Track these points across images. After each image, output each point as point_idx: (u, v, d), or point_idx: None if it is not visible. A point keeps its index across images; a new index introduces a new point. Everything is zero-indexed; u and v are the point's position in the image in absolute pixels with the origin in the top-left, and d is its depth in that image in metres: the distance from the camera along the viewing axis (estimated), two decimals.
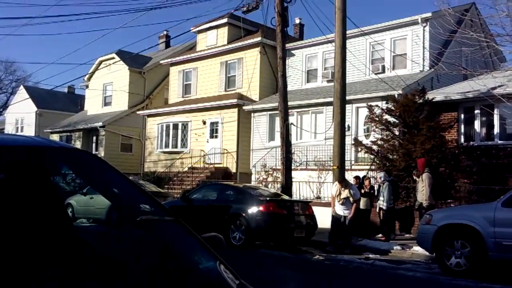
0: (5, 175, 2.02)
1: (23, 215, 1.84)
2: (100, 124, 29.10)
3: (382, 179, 13.62)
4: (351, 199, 12.02)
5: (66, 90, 42.03)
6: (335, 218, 12.17)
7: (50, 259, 1.72)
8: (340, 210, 12.09)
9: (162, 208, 2.19)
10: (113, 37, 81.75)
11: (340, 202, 12.05)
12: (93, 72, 32.18)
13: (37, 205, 2.01)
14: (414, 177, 13.59)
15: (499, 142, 15.90)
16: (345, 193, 12.02)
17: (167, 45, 34.31)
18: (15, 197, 1.90)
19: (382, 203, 13.27)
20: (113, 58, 30.17)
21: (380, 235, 13.53)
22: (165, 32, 34.10)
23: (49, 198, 2.21)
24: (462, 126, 16.73)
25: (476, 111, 16.36)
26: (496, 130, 16.04)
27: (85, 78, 33.22)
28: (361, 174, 15.23)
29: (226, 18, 24.81)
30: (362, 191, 13.79)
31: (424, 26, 19.14)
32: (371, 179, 14.79)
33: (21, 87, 41.14)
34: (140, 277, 1.82)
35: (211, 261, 1.95)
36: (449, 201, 14.02)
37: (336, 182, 12.59)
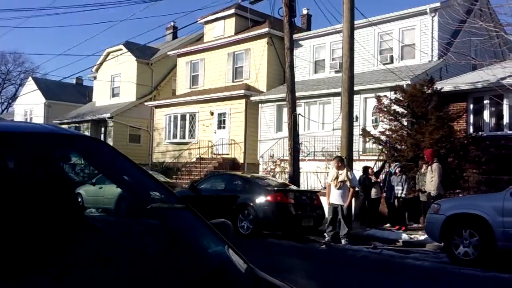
0: (16, 161, 2.05)
1: (33, 201, 1.87)
2: (108, 115, 29.25)
3: (399, 169, 13.55)
4: (348, 183, 11.13)
5: (74, 81, 42.21)
6: (332, 208, 11.34)
7: (61, 243, 1.75)
8: (337, 197, 11.19)
9: (173, 195, 2.22)
10: (120, 29, 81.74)
11: (337, 186, 11.12)
12: (101, 64, 32.28)
13: (47, 191, 2.04)
14: (424, 167, 13.36)
15: (508, 132, 15.81)
16: (342, 176, 11.12)
17: (174, 36, 34.31)
18: (25, 184, 1.94)
19: (400, 192, 13.29)
20: (120, 49, 30.23)
21: (388, 224, 13.54)
22: (172, 23, 34.08)
23: (59, 184, 2.24)
24: (471, 116, 16.63)
25: (485, 101, 16.26)
26: (506, 120, 15.95)
27: (93, 69, 33.37)
28: (369, 164, 15.24)
29: (234, 9, 24.76)
30: (373, 180, 13.90)
31: (433, 16, 18.97)
32: (375, 168, 14.79)
33: (30, 78, 41.28)
34: (149, 262, 1.85)
35: (219, 246, 1.98)
36: (457, 191, 13.98)
37: (333, 166, 11.69)
